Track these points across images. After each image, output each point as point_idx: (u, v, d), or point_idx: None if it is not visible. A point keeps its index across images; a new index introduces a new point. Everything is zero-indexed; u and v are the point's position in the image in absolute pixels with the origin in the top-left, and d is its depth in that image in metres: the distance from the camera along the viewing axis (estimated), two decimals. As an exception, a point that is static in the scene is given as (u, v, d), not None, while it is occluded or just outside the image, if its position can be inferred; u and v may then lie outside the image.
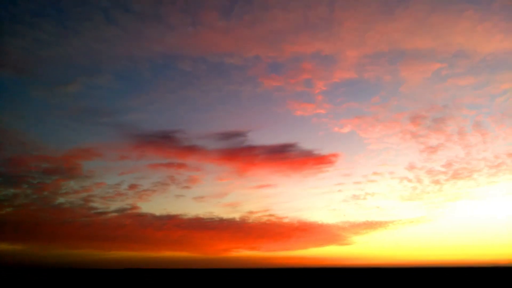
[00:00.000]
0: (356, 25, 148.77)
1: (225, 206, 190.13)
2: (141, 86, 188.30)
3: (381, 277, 70.11)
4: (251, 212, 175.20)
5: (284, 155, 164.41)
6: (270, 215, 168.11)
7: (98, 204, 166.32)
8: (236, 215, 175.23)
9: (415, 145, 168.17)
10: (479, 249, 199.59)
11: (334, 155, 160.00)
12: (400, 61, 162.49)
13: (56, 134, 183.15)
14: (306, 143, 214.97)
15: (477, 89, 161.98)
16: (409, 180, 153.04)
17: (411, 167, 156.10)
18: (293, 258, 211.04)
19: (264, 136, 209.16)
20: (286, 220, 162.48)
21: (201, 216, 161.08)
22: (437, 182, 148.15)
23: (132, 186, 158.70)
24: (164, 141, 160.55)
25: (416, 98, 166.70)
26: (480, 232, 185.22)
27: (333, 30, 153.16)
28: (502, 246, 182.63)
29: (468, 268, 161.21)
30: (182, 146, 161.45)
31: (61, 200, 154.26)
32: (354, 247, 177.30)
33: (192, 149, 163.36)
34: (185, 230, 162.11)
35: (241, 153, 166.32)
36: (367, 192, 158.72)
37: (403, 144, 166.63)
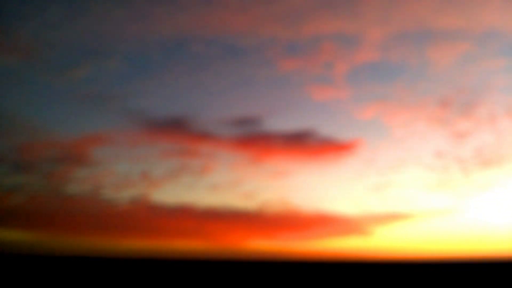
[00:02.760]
0: (380, 2, 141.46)
1: (240, 195, 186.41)
2: (152, 69, 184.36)
3: (401, 272, 65.64)
4: (267, 202, 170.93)
5: (302, 142, 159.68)
6: (287, 204, 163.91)
7: (108, 192, 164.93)
8: (251, 204, 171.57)
9: (442, 131, 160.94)
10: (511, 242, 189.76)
11: (356, 142, 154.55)
12: (427, 41, 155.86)
13: (65, 120, 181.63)
14: (326, 130, 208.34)
15: (509, 71, 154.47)
16: (436, 169, 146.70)
17: (438, 155, 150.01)
18: (310, 249, 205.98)
19: (281, 122, 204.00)
20: (303, 210, 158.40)
21: (215, 205, 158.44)
22: (465, 170, 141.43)
23: (143, 175, 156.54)
24: (176, 127, 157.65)
25: (444, 81, 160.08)
26: None
27: (355, 9, 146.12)
28: None
29: (498, 263, 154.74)
30: (195, 132, 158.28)
31: (71, 188, 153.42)
32: (375, 239, 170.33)
33: (205, 136, 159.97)
34: (199, 219, 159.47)
35: (256, 140, 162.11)
36: (391, 181, 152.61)
37: (429, 130, 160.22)
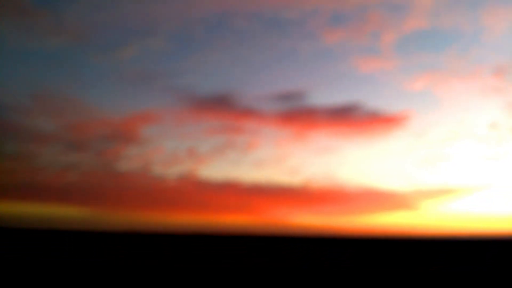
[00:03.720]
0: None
1: (284, 171, 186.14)
2: (195, 47, 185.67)
3: (449, 248, 62.73)
4: (312, 177, 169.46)
5: (348, 116, 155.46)
6: (332, 180, 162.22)
7: (157, 169, 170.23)
8: (296, 180, 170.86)
9: (497, 101, 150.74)
10: None
11: (404, 115, 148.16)
12: (482, 5, 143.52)
13: (113, 99, 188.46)
14: (373, 103, 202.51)
15: None
16: (491, 140, 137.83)
17: (493, 126, 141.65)
18: (356, 224, 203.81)
19: (326, 95, 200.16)
20: (349, 186, 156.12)
21: (260, 181, 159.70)
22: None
23: (190, 151, 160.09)
24: (220, 104, 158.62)
25: (499, 48, 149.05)
26: None
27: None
28: None
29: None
30: (239, 109, 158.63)
31: (122, 165, 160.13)
32: (423, 214, 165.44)
33: (249, 112, 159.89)
34: (244, 195, 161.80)
35: (300, 115, 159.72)
36: (441, 154, 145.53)
37: (484, 100, 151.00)
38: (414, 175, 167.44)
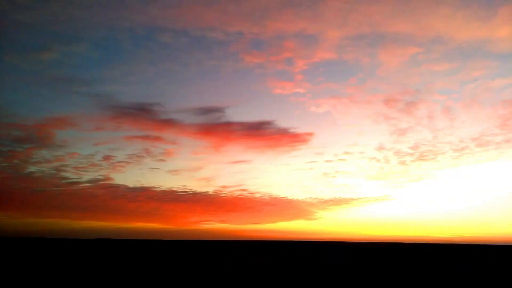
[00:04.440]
0: (340, 5, 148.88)
1: (199, 180, 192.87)
2: (120, 56, 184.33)
3: (341, 252, 74.01)
4: (224, 187, 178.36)
5: (260, 132, 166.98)
6: (243, 190, 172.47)
7: (70, 174, 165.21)
8: (209, 189, 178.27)
9: (386, 127, 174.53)
10: (438, 227, 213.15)
11: (309, 134, 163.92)
12: (380, 44, 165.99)
13: (28, 101, 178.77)
14: (283, 121, 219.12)
15: (449, 75, 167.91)
16: (378, 160, 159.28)
17: (380, 148, 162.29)
18: (263, 231, 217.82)
19: (242, 112, 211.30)
20: (258, 195, 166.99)
21: (175, 189, 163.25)
22: (403, 163, 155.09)
23: (106, 157, 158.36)
24: (141, 113, 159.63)
25: (391, 81, 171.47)
26: (441, 211, 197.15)
27: (317, 9, 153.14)
28: (459, 224, 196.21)
29: (426, 244, 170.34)
30: (159, 119, 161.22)
31: (32, 169, 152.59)
32: (321, 222, 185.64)
33: (169, 123, 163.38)
34: (158, 202, 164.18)
35: (218, 128, 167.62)
36: (337, 170, 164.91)
37: (375, 125, 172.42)
38: (314, 188, 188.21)
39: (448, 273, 29.65)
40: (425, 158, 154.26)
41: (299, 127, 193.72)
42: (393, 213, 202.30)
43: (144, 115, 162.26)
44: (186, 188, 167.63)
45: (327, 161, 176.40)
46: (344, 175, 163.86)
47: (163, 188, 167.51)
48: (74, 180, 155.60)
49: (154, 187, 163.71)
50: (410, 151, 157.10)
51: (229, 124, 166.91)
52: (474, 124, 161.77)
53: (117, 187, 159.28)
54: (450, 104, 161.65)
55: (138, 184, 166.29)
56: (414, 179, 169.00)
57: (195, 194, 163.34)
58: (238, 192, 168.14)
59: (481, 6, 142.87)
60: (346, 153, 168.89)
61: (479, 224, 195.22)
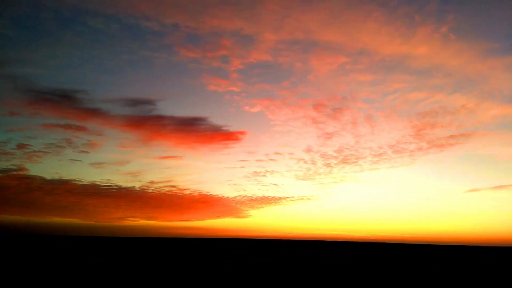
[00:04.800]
0: (277, 9, 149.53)
1: (125, 174, 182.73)
2: (43, 37, 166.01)
3: (270, 248, 75.13)
4: (152, 182, 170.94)
5: (192, 128, 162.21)
6: (172, 186, 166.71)
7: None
8: (136, 184, 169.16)
9: (314, 130, 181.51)
10: (357, 225, 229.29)
11: (242, 133, 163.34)
12: (312, 50, 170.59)
13: None
14: (216, 119, 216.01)
15: (373, 86, 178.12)
16: (305, 162, 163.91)
17: (308, 150, 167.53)
18: (191, 228, 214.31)
19: (175, 107, 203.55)
20: (187, 192, 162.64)
21: (98, 183, 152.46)
22: (328, 165, 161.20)
23: (20, 146, 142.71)
24: (64, 100, 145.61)
25: (321, 87, 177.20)
26: (360, 211, 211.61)
27: (255, 10, 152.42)
28: (377, 222, 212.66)
29: (346, 242, 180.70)
30: (84, 107, 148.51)
31: None
32: (251, 220, 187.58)
33: (94, 112, 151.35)
34: (79, 196, 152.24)
35: (148, 121, 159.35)
36: (267, 170, 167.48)
37: (304, 128, 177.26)
38: (244, 186, 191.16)
39: (344, 268, 30.78)
40: (348, 161, 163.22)
41: (232, 126, 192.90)
42: (318, 212, 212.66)
43: (66, 102, 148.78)
44: (110, 183, 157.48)
45: (258, 160, 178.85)
46: (274, 174, 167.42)
47: (85, 182, 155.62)
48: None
49: (74, 180, 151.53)
50: (335, 154, 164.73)
51: (160, 117, 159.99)
52: (392, 132, 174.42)
53: (33, 178, 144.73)
54: (372, 113, 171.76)
55: (56, 176, 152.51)
56: (337, 181, 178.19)
57: (120, 189, 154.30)
58: (167, 188, 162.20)
59: (403, 24, 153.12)
60: (277, 153, 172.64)
61: (394, 223, 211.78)
